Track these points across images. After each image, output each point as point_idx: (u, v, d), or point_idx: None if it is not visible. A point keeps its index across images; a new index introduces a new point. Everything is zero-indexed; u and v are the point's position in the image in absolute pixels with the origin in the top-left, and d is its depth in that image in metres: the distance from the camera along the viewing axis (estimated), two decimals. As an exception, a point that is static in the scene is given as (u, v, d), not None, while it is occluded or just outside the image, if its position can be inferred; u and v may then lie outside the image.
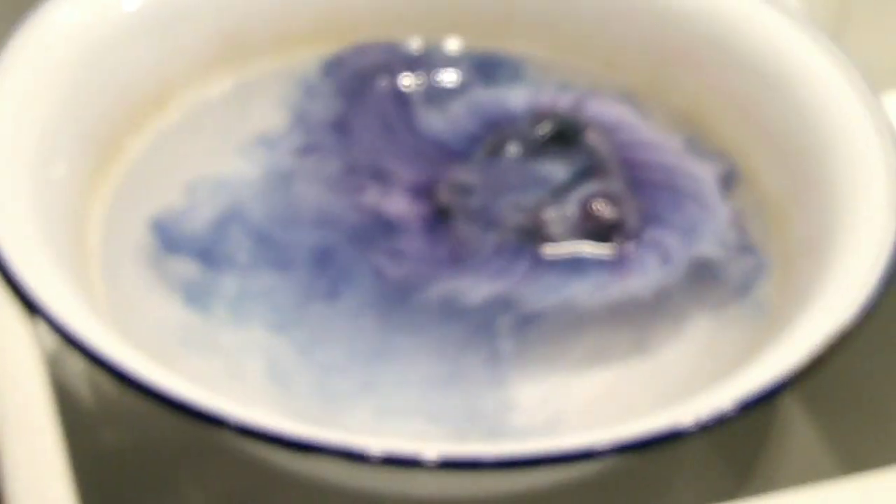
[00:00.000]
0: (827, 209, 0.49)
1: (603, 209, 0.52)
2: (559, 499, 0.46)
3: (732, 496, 0.41)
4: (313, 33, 0.57)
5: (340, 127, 0.56)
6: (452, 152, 0.55)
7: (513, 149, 0.54)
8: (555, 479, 0.46)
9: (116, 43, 0.53)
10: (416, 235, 0.52)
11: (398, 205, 0.53)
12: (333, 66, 0.58)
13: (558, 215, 0.52)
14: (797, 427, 0.56)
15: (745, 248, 0.51)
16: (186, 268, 0.51)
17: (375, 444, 0.40)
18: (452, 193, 0.53)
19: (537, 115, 0.55)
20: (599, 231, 0.52)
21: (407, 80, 0.58)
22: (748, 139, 0.54)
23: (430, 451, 0.40)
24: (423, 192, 0.54)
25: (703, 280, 0.51)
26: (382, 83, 0.58)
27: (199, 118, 0.55)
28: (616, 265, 0.51)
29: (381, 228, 0.53)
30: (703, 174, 0.53)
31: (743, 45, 0.54)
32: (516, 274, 0.51)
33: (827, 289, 0.45)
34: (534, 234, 0.51)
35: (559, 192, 0.52)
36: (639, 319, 0.50)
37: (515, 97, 0.56)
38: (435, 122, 0.56)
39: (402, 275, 0.51)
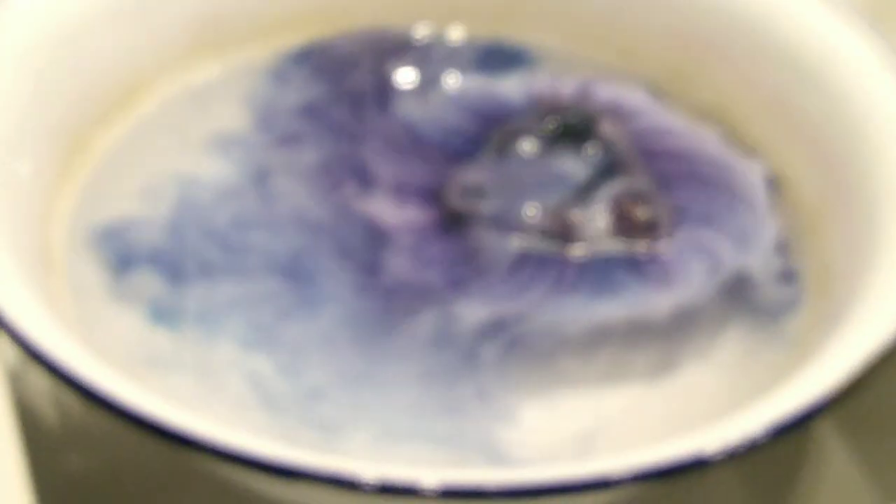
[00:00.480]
0: (867, 220, 0.49)
1: (637, 210, 0.52)
2: None
3: None
4: (300, 18, 0.57)
5: (318, 120, 0.57)
6: (449, 150, 0.55)
7: (525, 146, 0.54)
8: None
9: (86, 28, 0.53)
10: (415, 245, 0.52)
11: (386, 208, 0.53)
12: (314, 54, 0.58)
13: (587, 217, 0.52)
14: (833, 456, 0.55)
15: (788, 274, 0.51)
16: (149, 281, 0.51)
17: (369, 470, 0.40)
18: (464, 197, 0.53)
19: (543, 107, 0.55)
20: (635, 233, 0.52)
21: (397, 70, 0.58)
22: (783, 140, 0.53)
23: (430, 478, 0.40)
24: (421, 194, 0.54)
25: (738, 295, 0.51)
26: (367, 72, 0.58)
27: (172, 111, 0.55)
28: (656, 274, 0.51)
29: (368, 236, 0.53)
30: (751, 173, 0.53)
31: (776, 34, 0.54)
32: (540, 288, 0.51)
33: (865, 308, 0.45)
34: (561, 239, 0.51)
35: (583, 192, 0.52)
36: (666, 335, 0.50)
37: (513, 87, 0.57)
38: (425, 115, 0.56)
39: (397, 289, 0.51)
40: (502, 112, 0.56)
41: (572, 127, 0.54)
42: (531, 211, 0.52)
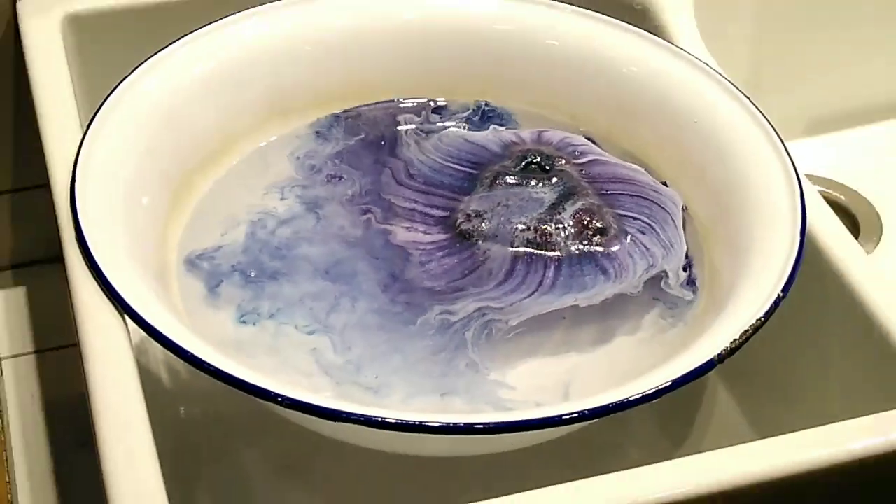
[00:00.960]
0: (743, 238, 0.49)
1: (592, 219, 0.52)
2: (536, 456, 0.47)
3: (668, 456, 0.42)
4: (337, 95, 0.57)
5: (351, 164, 0.56)
6: (446, 185, 0.54)
7: (507, 179, 0.54)
8: (532, 440, 0.46)
9: (188, 103, 0.53)
10: (426, 258, 0.52)
11: (401, 229, 0.53)
12: (348, 118, 0.57)
13: (558, 227, 0.52)
14: (720, 400, 0.57)
15: (691, 279, 0.51)
16: (232, 292, 0.50)
17: (391, 413, 0.41)
18: (470, 220, 0.52)
19: (513, 152, 0.55)
20: (592, 236, 0.51)
21: (407, 128, 0.57)
22: (682, 179, 0.54)
23: (434, 419, 0.41)
24: (429, 218, 0.53)
25: (658, 290, 0.51)
26: (384, 128, 0.57)
27: (248, 163, 0.55)
28: (613, 270, 0.51)
29: (390, 250, 0.52)
30: (675, 197, 0.53)
31: (678, 102, 0.54)
32: (529, 289, 0.50)
33: (739, 300, 0.46)
34: (542, 245, 0.51)
35: (552, 210, 0.52)
36: (603, 317, 0.50)
37: (488, 136, 0.56)
38: (427, 159, 0.56)
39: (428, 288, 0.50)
40: (483, 156, 0.55)
41: (538, 164, 0.54)
42: (520, 226, 0.52)
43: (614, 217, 0.52)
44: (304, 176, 0.55)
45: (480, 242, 0.52)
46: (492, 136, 0.56)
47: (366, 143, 0.57)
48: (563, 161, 0.54)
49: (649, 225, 0.52)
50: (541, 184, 0.53)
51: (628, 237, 0.51)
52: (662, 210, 0.52)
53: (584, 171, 0.54)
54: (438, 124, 0.58)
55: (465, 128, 0.57)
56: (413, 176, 0.55)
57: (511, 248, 0.51)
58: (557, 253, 0.51)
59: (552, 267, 0.51)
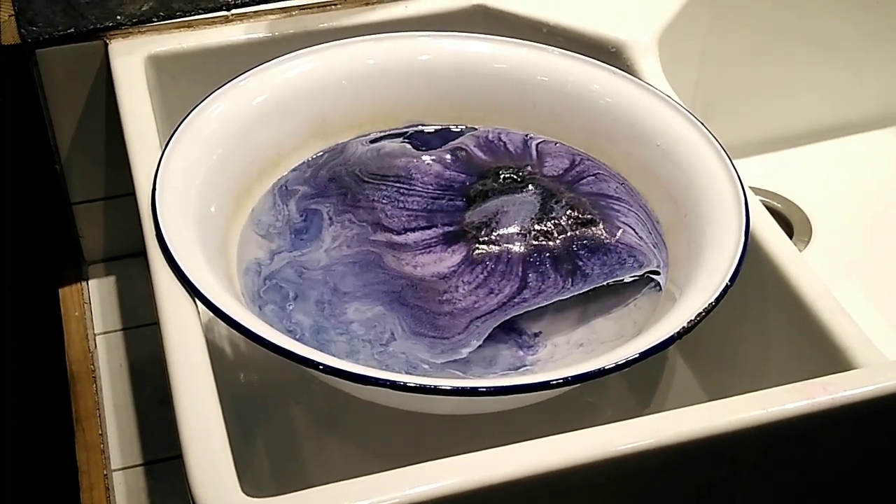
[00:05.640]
0: (697, 236, 0.49)
1: (577, 213, 0.51)
2: (531, 414, 0.47)
3: (637, 414, 0.42)
4: (368, 121, 0.56)
5: (383, 173, 0.54)
6: (444, 200, 0.53)
7: (493, 193, 0.53)
8: (525, 401, 0.46)
9: (247, 126, 0.53)
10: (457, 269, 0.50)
11: (412, 236, 0.52)
12: (377, 139, 0.56)
13: (552, 223, 0.51)
14: (679, 369, 0.57)
15: (662, 267, 0.50)
16: (272, 300, 0.49)
17: (410, 378, 0.42)
18: (479, 229, 0.52)
19: (496, 168, 0.54)
20: (581, 227, 0.51)
21: (420, 147, 0.56)
22: (650, 189, 0.53)
23: (446, 383, 0.41)
24: (447, 235, 0.52)
25: (641, 278, 0.50)
26: (403, 148, 0.56)
27: (296, 177, 0.54)
28: (610, 261, 0.50)
29: (403, 252, 0.51)
30: (647, 203, 0.52)
31: (645, 127, 0.54)
32: (537, 282, 0.50)
33: (695, 287, 0.46)
34: (544, 238, 0.51)
35: (544, 211, 0.52)
36: (584, 304, 0.50)
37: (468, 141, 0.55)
38: (433, 175, 0.54)
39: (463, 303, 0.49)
40: (482, 167, 0.55)
41: (518, 177, 0.54)
42: (523, 228, 0.51)
43: (599, 208, 0.52)
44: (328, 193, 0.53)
45: (492, 246, 0.51)
46: (473, 141, 0.55)
47: (393, 160, 0.55)
48: (538, 169, 0.54)
49: (635, 223, 0.51)
50: (524, 192, 0.53)
51: (621, 234, 0.51)
52: (642, 210, 0.52)
53: (576, 170, 0.54)
54: (444, 144, 0.55)
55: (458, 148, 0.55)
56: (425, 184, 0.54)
57: (521, 247, 0.50)
58: (558, 245, 0.50)
59: (559, 261, 0.50)
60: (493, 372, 0.47)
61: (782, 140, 0.76)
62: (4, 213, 0.66)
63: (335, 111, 0.55)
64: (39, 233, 0.67)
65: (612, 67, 0.56)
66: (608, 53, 0.60)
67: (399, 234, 0.52)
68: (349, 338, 0.48)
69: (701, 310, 0.44)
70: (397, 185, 0.54)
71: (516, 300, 0.49)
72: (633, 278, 0.49)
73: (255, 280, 0.49)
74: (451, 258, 0.52)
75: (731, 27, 0.69)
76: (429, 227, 0.53)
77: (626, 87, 0.55)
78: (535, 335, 0.49)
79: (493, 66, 0.57)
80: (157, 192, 0.48)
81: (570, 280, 0.50)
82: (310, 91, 0.55)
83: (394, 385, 0.41)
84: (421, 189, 0.54)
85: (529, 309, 0.49)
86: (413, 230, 0.52)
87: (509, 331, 0.49)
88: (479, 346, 0.48)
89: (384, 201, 0.53)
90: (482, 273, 0.50)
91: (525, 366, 0.48)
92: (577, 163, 0.55)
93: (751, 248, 0.47)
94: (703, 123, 0.53)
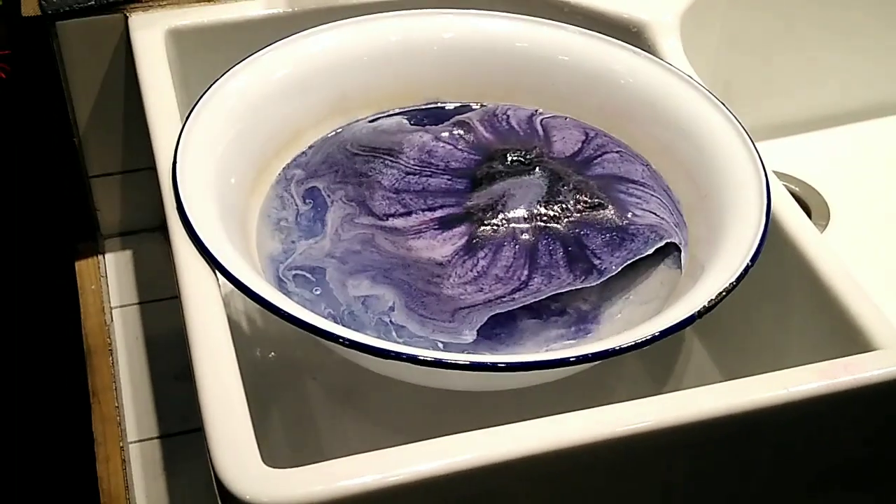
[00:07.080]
0: (717, 215, 0.49)
1: (584, 195, 0.51)
2: (549, 392, 0.47)
3: (653, 393, 0.42)
4: (388, 98, 0.56)
5: (399, 147, 0.54)
6: (453, 182, 0.52)
7: (501, 175, 0.53)
8: (544, 378, 0.46)
9: (267, 101, 0.53)
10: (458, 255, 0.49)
11: (419, 217, 0.51)
12: (395, 115, 0.55)
13: (560, 205, 0.51)
14: (695, 349, 0.57)
15: (684, 246, 0.50)
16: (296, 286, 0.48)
17: (428, 353, 0.41)
18: (485, 212, 0.51)
19: (504, 149, 0.54)
20: (589, 208, 0.51)
21: (433, 124, 0.55)
22: (670, 169, 0.53)
23: (462, 358, 0.41)
24: (448, 219, 0.51)
25: (662, 255, 0.50)
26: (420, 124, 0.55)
27: (315, 151, 0.54)
28: (620, 241, 0.50)
29: (414, 235, 0.50)
30: (671, 183, 0.52)
31: (666, 108, 0.54)
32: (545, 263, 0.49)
33: (715, 267, 0.46)
34: (552, 221, 0.50)
35: (551, 193, 0.52)
36: (602, 286, 0.49)
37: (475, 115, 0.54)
38: (445, 153, 0.54)
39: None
40: (490, 147, 0.54)
41: (525, 159, 0.53)
42: (532, 211, 0.51)
43: (607, 189, 0.51)
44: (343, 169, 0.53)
45: (501, 229, 0.50)
46: (480, 115, 0.54)
47: (410, 134, 0.55)
48: (545, 150, 0.53)
49: (656, 206, 0.50)
50: (531, 175, 0.52)
51: (640, 215, 0.50)
52: (662, 191, 0.51)
53: (591, 149, 0.53)
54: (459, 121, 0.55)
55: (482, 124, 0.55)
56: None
57: (530, 231, 0.50)
58: (565, 228, 0.50)
59: (560, 248, 0.49)
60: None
61: (800, 124, 0.76)
62: (22, 186, 0.66)
63: (356, 87, 0.55)
64: (56, 206, 0.67)
65: (633, 47, 0.56)
66: (629, 33, 0.60)
67: (395, 217, 0.51)
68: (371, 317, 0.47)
69: (721, 289, 0.44)
70: (416, 165, 0.53)
71: (532, 288, 0.48)
72: (654, 249, 0.49)
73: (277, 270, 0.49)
74: (457, 241, 0.50)
75: (751, 9, 0.69)
76: (433, 209, 0.51)
77: (647, 67, 0.55)
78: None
79: (514, 45, 0.56)
80: (177, 166, 0.48)
81: (582, 275, 0.48)
82: (330, 67, 0.55)
83: (412, 359, 0.41)
84: (430, 170, 0.53)
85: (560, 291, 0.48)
86: (409, 213, 0.51)
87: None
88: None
89: (401, 184, 0.52)
90: (485, 259, 0.49)
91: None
92: (591, 137, 0.54)
93: (771, 229, 0.47)
94: (724, 104, 0.53)
